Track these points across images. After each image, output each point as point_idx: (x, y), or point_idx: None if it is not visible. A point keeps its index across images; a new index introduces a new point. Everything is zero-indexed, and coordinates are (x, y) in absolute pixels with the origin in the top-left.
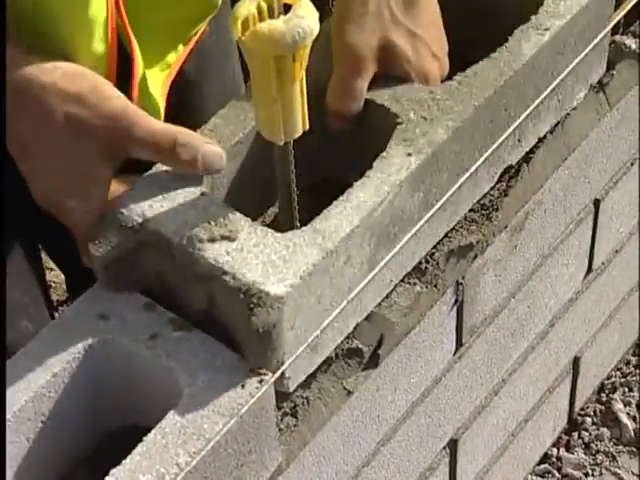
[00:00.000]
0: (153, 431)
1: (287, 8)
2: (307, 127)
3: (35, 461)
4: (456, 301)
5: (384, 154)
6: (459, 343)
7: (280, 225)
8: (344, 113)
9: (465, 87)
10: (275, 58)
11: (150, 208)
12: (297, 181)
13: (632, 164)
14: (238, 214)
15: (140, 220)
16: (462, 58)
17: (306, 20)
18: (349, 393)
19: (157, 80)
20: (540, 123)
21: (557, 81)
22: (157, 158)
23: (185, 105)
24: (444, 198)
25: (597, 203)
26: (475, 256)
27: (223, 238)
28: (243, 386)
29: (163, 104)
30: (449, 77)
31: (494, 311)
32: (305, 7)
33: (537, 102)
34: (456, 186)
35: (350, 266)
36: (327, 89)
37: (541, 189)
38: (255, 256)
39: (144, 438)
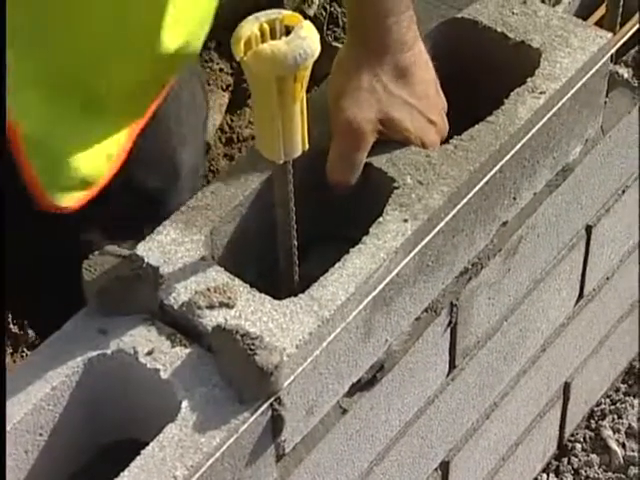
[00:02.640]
0: (151, 444)
1: (289, 30)
2: (307, 147)
3: (33, 474)
4: (450, 322)
5: (381, 219)
6: (452, 365)
7: (280, 269)
8: (344, 184)
9: (461, 151)
10: (276, 78)
11: None
12: (298, 237)
13: (623, 191)
14: (237, 280)
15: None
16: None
17: (307, 41)
18: (344, 411)
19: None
20: (535, 180)
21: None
22: None
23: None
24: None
25: (589, 229)
26: (469, 278)
27: (222, 305)
28: (241, 401)
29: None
30: (446, 140)
31: (487, 334)
32: (307, 29)
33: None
34: (431, 230)
35: (346, 331)
36: (327, 161)
37: (535, 213)
38: (253, 324)
39: (142, 451)
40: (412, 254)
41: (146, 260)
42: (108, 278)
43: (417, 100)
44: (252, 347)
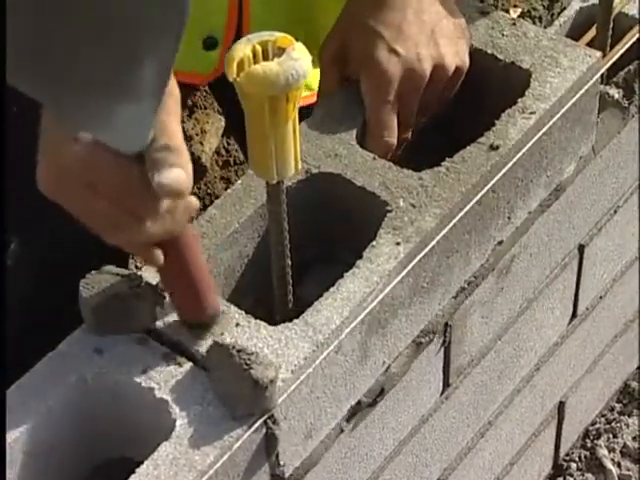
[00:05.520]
0: (145, 463)
1: (281, 51)
2: (300, 167)
3: None
4: (444, 341)
5: (374, 243)
6: (446, 383)
7: (274, 292)
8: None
9: (453, 173)
10: (269, 99)
11: None
12: (293, 261)
13: (615, 211)
14: (232, 307)
15: (138, 272)
16: (449, 136)
17: (299, 62)
18: (340, 431)
19: None
20: (530, 199)
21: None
22: None
23: None
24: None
25: (582, 248)
26: (463, 297)
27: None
28: (235, 419)
29: None
30: (438, 163)
31: (481, 352)
32: (299, 50)
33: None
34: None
35: (341, 354)
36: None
37: (527, 233)
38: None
39: (137, 470)
40: (405, 276)
41: (144, 279)
42: (106, 296)
43: (384, 28)
44: (248, 362)
